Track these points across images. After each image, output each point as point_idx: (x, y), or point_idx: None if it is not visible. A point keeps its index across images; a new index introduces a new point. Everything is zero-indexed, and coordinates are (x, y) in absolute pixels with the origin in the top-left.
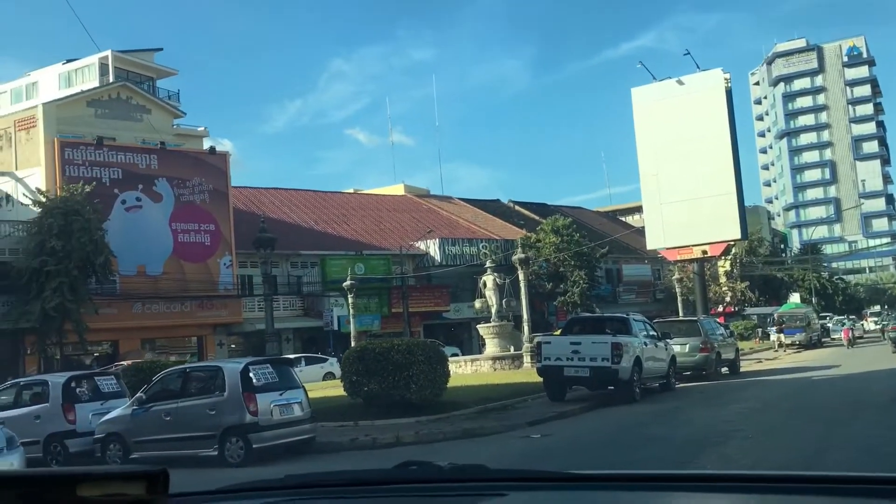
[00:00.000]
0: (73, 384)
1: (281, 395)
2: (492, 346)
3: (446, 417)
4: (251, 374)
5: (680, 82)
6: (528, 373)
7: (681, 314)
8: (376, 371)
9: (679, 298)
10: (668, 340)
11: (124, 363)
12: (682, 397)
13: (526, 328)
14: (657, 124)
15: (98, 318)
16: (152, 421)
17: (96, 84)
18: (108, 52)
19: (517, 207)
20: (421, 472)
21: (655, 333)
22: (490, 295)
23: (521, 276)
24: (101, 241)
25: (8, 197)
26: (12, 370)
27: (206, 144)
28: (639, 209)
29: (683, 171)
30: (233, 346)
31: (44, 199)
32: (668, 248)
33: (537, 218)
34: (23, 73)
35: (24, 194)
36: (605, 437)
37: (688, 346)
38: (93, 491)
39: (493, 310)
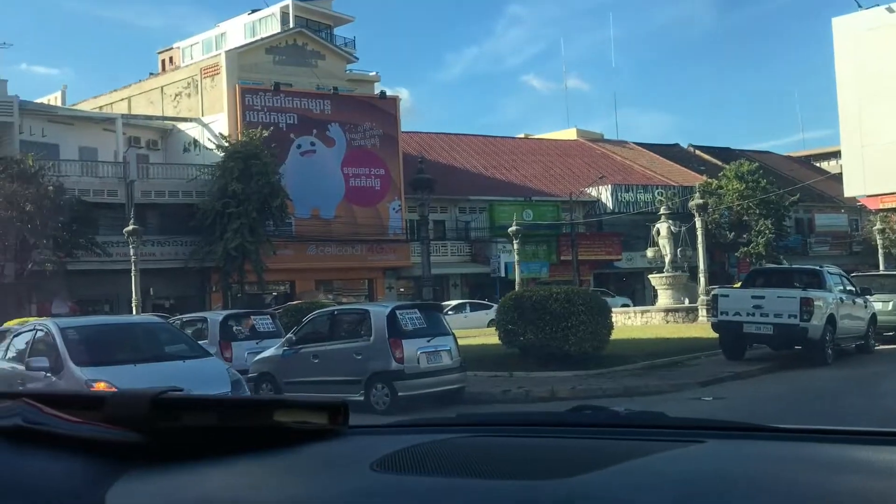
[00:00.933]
0: (230, 322)
1: (429, 341)
2: (664, 298)
3: (607, 373)
4: (398, 319)
5: (890, 10)
6: (702, 327)
7: (881, 268)
8: (532, 320)
9: (880, 251)
10: (867, 297)
11: (297, 303)
12: (884, 362)
13: (702, 279)
14: (862, 58)
15: (275, 259)
16: (301, 363)
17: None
18: (290, 1)
19: (697, 152)
20: (595, 417)
21: (853, 289)
22: (664, 243)
23: (698, 224)
24: (278, 185)
25: (195, 142)
26: (200, 305)
27: (378, 90)
28: (836, 154)
29: (891, 109)
30: (402, 289)
31: (226, 144)
32: (869, 196)
33: (719, 163)
34: (213, 24)
35: (208, 139)
36: (788, 405)
37: (891, 303)
38: (286, 417)
39: (667, 259)
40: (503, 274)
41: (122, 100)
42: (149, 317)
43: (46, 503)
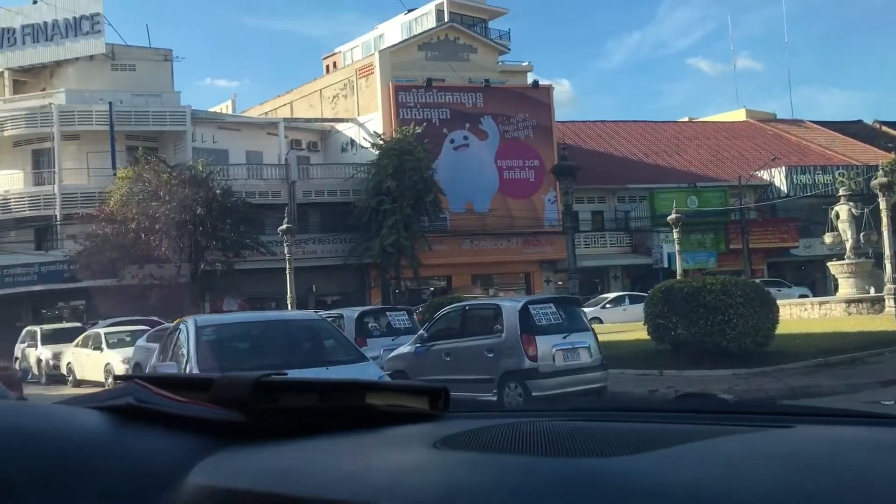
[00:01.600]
0: (365, 319)
1: (565, 338)
2: (846, 287)
3: (772, 371)
4: (531, 315)
5: None
6: (888, 320)
7: None
8: (685, 313)
9: None
10: None
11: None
12: None
13: (889, 266)
14: None
15: (431, 254)
16: (433, 360)
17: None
18: None
19: (884, 128)
20: (702, 403)
21: None
22: (844, 227)
23: (882, 205)
24: (431, 180)
25: (352, 141)
26: (360, 301)
27: (531, 80)
28: None
29: None
30: (560, 282)
31: (381, 142)
32: None
33: None
34: (373, 26)
35: (364, 138)
36: None
37: None
38: (379, 399)
39: (848, 245)
40: (665, 265)
41: (285, 105)
42: (305, 312)
43: (152, 473)
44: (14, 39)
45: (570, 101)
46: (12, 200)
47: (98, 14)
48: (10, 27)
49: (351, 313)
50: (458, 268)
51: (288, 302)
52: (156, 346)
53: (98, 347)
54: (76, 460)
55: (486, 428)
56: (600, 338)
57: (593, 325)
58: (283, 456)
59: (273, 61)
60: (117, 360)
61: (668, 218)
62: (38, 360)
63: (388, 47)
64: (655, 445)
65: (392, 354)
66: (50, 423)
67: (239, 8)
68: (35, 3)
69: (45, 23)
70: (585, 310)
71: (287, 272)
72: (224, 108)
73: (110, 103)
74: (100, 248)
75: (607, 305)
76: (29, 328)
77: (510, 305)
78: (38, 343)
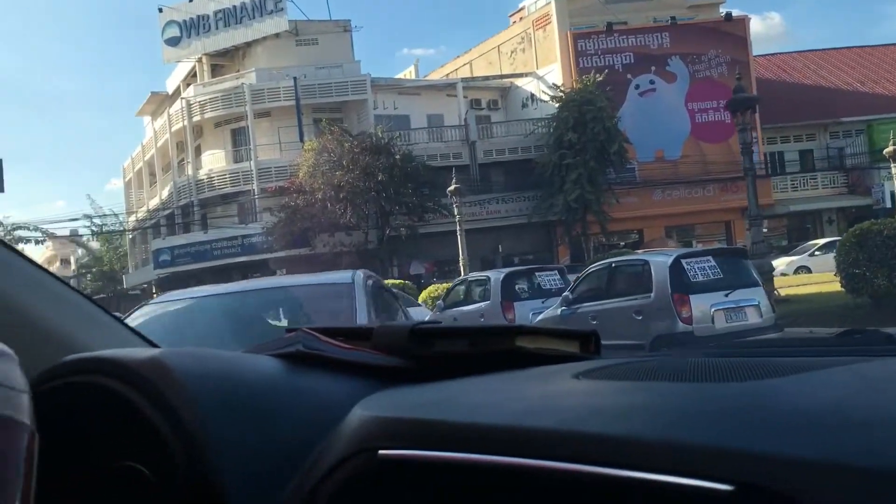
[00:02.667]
0: (512, 281)
1: (727, 296)
2: None
3: None
4: (685, 270)
5: None
6: None
7: None
8: (885, 261)
9: None
10: None
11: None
12: None
13: None
14: None
15: (619, 208)
16: (578, 323)
17: None
18: None
19: None
20: (865, 339)
21: None
22: None
23: None
24: (614, 129)
25: (532, 96)
26: (548, 260)
27: (723, 12)
28: None
29: None
30: (765, 229)
31: (560, 94)
32: None
33: None
34: None
35: (543, 91)
36: None
37: None
38: (529, 342)
39: None
40: (889, 205)
41: (465, 65)
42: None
43: (321, 409)
44: (208, 26)
45: (780, 35)
46: (216, 178)
47: None
48: (205, 14)
49: (497, 275)
50: (650, 220)
51: (461, 265)
52: None
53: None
54: (257, 399)
55: (632, 362)
56: (792, 290)
57: (800, 275)
58: (438, 391)
59: (458, 24)
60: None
61: (885, 151)
62: None
63: None
64: (801, 370)
65: (538, 319)
66: (233, 368)
67: None
68: None
69: (234, 6)
70: (792, 258)
71: (458, 234)
72: (407, 74)
73: (295, 78)
74: (292, 219)
75: (816, 253)
76: None
77: (660, 260)
78: None
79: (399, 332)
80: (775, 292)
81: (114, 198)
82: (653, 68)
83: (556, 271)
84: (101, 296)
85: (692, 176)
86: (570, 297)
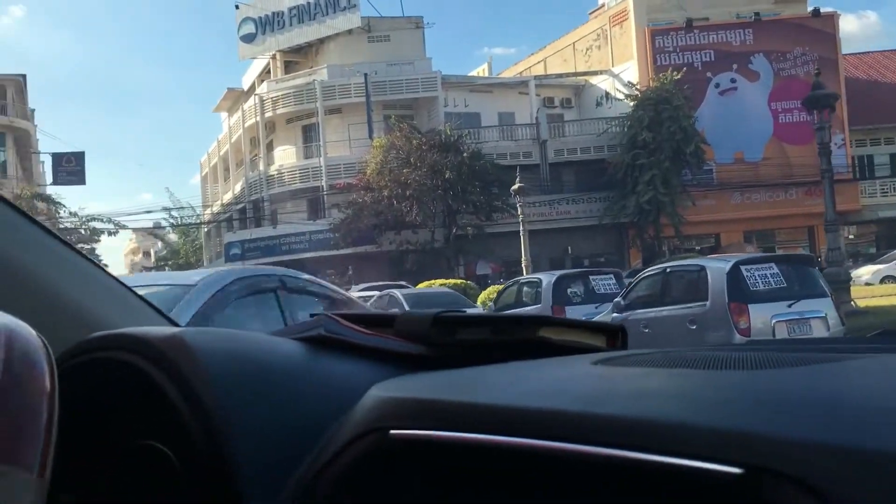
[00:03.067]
0: (564, 284)
1: (790, 306)
2: None
3: None
4: (743, 277)
5: None
6: None
7: None
8: None
9: None
10: None
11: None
12: None
13: None
14: None
15: (695, 210)
16: (631, 331)
17: None
18: None
19: None
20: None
21: None
22: None
23: None
24: (691, 129)
25: (606, 95)
26: (619, 263)
27: (811, 8)
28: None
29: None
30: (851, 236)
31: (636, 92)
32: None
33: None
34: None
35: (617, 90)
36: None
37: None
38: (553, 333)
39: None
40: None
41: (539, 62)
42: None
43: (340, 391)
44: (282, 22)
45: (877, 34)
46: (286, 174)
47: None
48: (279, 10)
49: (548, 278)
50: (727, 224)
51: (523, 266)
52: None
53: None
54: (276, 381)
55: (655, 352)
56: (873, 301)
57: (886, 285)
58: (453, 376)
59: (535, 22)
60: None
61: None
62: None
63: None
64: (822, 362)
65: None
66: (254, 348)
67: None
68: None
69: (308, 3)
70: (879, 266)
71: (521, 234)
72: (480, 72)
73: (365, 75)
74: (358, 215)
75: None
76: None
77: (717, 266)
78: None
79: (422, 320)
80: (852, 303)
81: (196, 192)
82: (734, 66)
83: (612, 275)
84: None
85: (774, 179)
86: (623, 303)
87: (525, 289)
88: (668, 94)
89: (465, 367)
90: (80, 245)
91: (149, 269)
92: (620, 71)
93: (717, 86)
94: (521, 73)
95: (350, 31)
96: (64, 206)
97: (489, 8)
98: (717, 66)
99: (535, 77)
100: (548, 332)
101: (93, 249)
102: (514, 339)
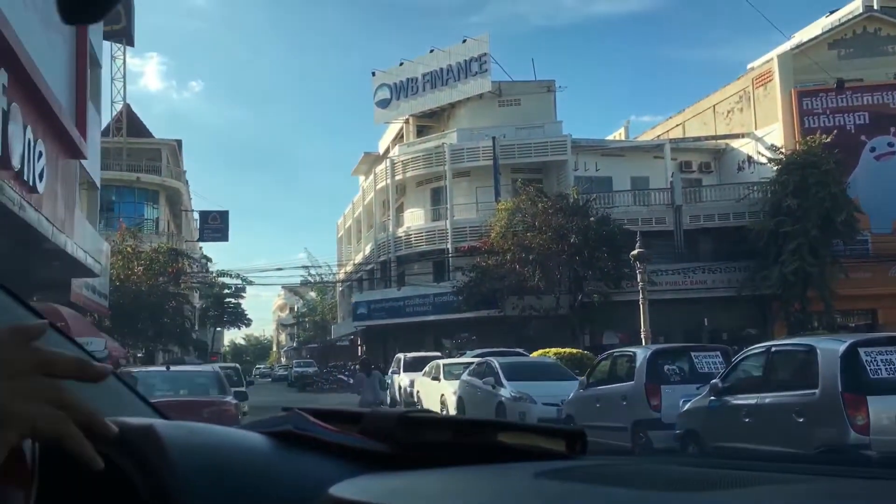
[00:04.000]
0: (661, 360)
1: None
2: None
3: None
4: (861, 362)
5: None
6: None
7: None
8: None
9: None
10: None
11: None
12: None
13: None
14: None
15: (848, 284)
16: (729, 420)
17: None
18: None
19: None
20: (844, 457)
21: None
22: None
23: None
24: (842, 196)
25: (748, 159)
26: (760, 337)
27: None
28: None
29: None
30: None
31: (780, 156)
32: None
33: None
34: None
35: (760, 153)
36: None
37: None
38: (512, 438)
39: None
40: None
41: (677, 126)
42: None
43: (302, 489)
44: (416, 88)
45: None
46: (413, 236)
47: (485, 54)
48: (413, 77)
49: (643, 353)
50: (887, 300)
51: (641, 336)
52: (476, 380)
53: (436, 378)
54: (240, 475)
55: (602, 465)
56: None
57: None
58: (407, 479)
59: (675, 87)
60: (450, 392)
61: None
62: (399, 387)
63: (789, 50)
64: (721, 487)
65: (685, 408)
66: (222, 442)
67: (631, 36)
68: (431, 51)
69: (441, 68)
70: None
71: (640, 302)
72: (617, 136)
73: (493, 138)
74: (481, 279)
75: None
76: (398, 355)
77: (829, 347)
78: (401, 370)
79: (388, 419)
80: None
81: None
82: (892, 129)
83: (718, 353)
84: (312, 345)
85: None
86: (721, 385)
87: (619, 364)
88: (817, 158)
89: (425, 467)
90: (227, 300)
91: (289, 325)
92: (764, 134)
93: (873, 150)
94: (658, 136)
95: (481, 96)
96: (208, 259)
97: (628, 72)
98: (872, 129)
99: (671, 140)
100: (506, 437)
101: (238, 304)
102: (473, 442)
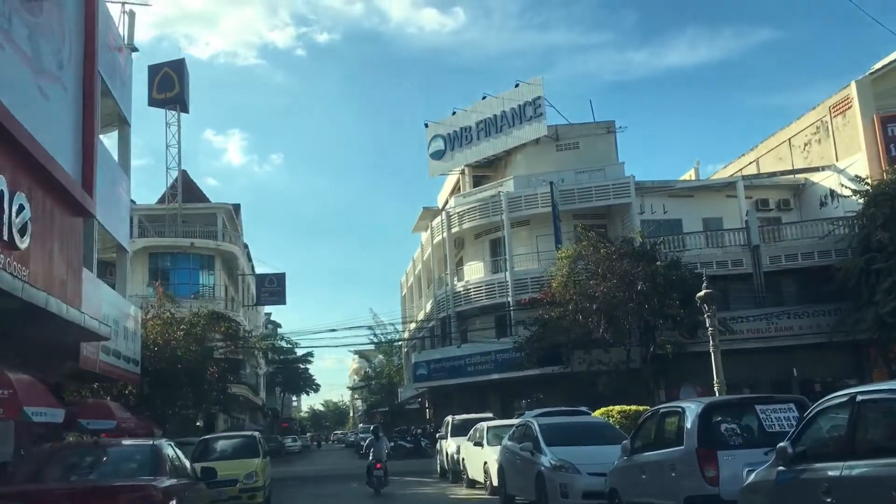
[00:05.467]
0: (717, 416)
1: None
2: None
3: None
4: None
5: None
6: None
7: None
8: None
9: None
10: None
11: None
12: None
13: None
14: None
15: None
16: (804, 497)
17: None
18: None
19: None
20: None
21: None
22: None
23: None
24: None
25: (831, 193)
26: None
27: None
28: None
29: None
30: None
31: (866, 187)
32: None
33: None
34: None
35: (842, 185)
36: None
37: None
38: None
39: None
40: None
41: (750, 163)
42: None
43: None
44: (470, 137)
45: None
46: (472, 290)
47: (539, 98)
48: (467, 126)
49: (694, 408)
50: None
51: (715, 389)
52: (515, 446)
53: (479, 443)
54: None
55: None
56: None
57: None
58: None
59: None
60: (492, 459)
61: None
62: (446, 454)
63: (868, 75)
64: None
65: (749, 481)
66: None
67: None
68: (484, 98)
69: (495, 115)
70: None
71: (711, 350)
72: (688, 177)
73: (551, 183)
74: (543, 333)
75: None
76: (447, 418)
77: None
78: (448, 434)
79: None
80: None
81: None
82: None
83: (792, 404)
84: (383, 409)
85: None
86: (791, 451)
87: (666, 423)
88: None
89: None
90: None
91: (356, 389)
92: (847, 165)
93: None
94: (731, 175)
95: (537, 141)
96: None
97: (697, 121)
98: None
99: (745, 177)
100: None
101: (306, 370)
102: None
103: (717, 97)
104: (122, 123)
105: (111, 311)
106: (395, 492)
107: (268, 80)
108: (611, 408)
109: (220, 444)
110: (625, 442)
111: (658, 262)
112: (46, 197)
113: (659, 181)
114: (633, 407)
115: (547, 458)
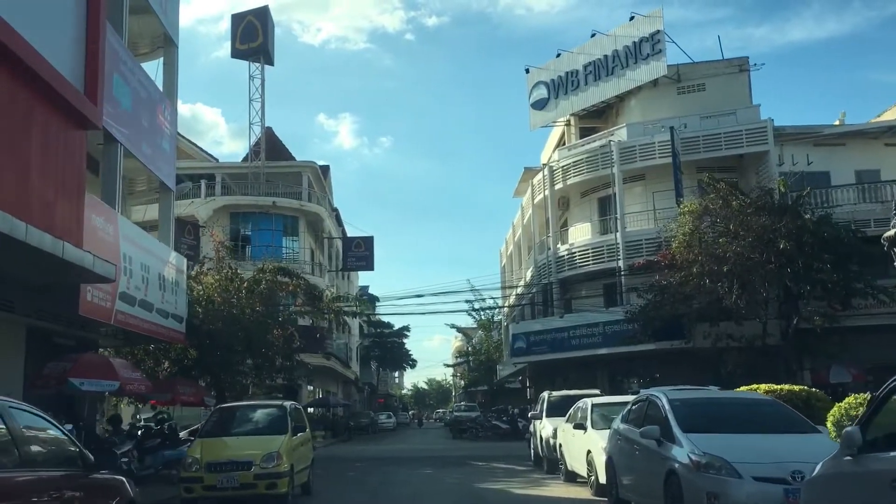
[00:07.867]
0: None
1: None
2: None
3: None
4: None
5: None
6: None
7: None
8: None
9: None
10: None
11: None
12: None
13: None
14: None
15: None
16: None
17: None
18: None
19: None
20: None
21: None
22: None
23: None
24: None
25: None
26: None
27: None
28: None
29: None
30: None
31: None
32: None
33: None
34: None
35: None
36: None
37: None
38: None
39: None
40: None
41: None
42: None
43: None
44: (577, 82)
45: None
46: (577, 254)
47: (658, 33)
48: (573, 69)
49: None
50: None
51: None
52: (633, 431)
53: (581, 425)
54: None
55: None
56: None
57: None
58: None
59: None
60: (599, 447)
61: None
62: (540, 438)
63: None
64: None
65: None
66: None
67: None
68: (593, 36)
69: (605, 56)
70: None
71: None
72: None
73: (672, 129)
74: (662, 302)
75: None
76: (543, 394)
77: None
78: (543, 414)
79: None
80: None
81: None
82: None
83: None
84: (482, 387)
85: None
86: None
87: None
88: None
89: None
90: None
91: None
92: None
93: None
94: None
95: (655, 83)
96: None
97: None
98: None
99: None
100: None
101: (402, 344)
102: None
103: (844, 71)
104: (168, 44)
105: (139, 253)
106: (473, 484)
107: (377, 63)
108: (755, 386)
109: (239, 415)
110: (848, 430)
111: (807, 216)
112: (27, 98)
113: (802, 126)
114: (787, 386)
115: (684, 451)
